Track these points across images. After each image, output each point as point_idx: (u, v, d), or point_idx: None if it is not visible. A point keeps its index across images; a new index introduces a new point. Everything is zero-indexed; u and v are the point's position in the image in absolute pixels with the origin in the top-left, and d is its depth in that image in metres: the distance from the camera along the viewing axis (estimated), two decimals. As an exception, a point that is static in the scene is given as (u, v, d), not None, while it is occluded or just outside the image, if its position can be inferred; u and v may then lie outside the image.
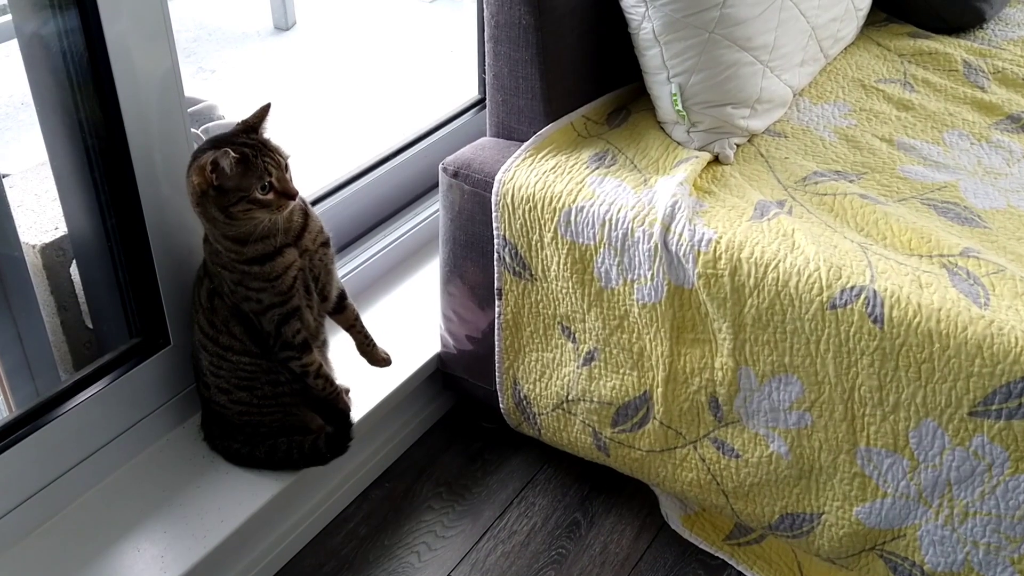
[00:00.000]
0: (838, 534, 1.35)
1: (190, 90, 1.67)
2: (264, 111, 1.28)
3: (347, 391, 1.52)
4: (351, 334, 1.47)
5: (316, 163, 2.34)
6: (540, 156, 1.47)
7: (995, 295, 1.20)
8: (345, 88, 2.93)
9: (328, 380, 1.40)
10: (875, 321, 1.22)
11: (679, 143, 1.50)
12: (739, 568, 1.48)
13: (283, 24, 3.25)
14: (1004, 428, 1.18)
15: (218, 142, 1.23)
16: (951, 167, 1.47)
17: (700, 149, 1.48)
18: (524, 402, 1.57)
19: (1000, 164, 1.48)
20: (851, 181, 1.43)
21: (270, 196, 1.23)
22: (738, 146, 1.51)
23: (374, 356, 1.49)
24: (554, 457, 1.65)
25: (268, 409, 1.40)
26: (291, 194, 1.25)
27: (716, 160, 1.48)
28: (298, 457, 1.42)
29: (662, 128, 1.53)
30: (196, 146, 1.28)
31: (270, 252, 1.29)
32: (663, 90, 1.48)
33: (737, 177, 1.44)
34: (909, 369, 1.22)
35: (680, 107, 1.46)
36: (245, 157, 1.21)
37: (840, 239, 1.30)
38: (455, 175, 1.51)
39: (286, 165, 1.27)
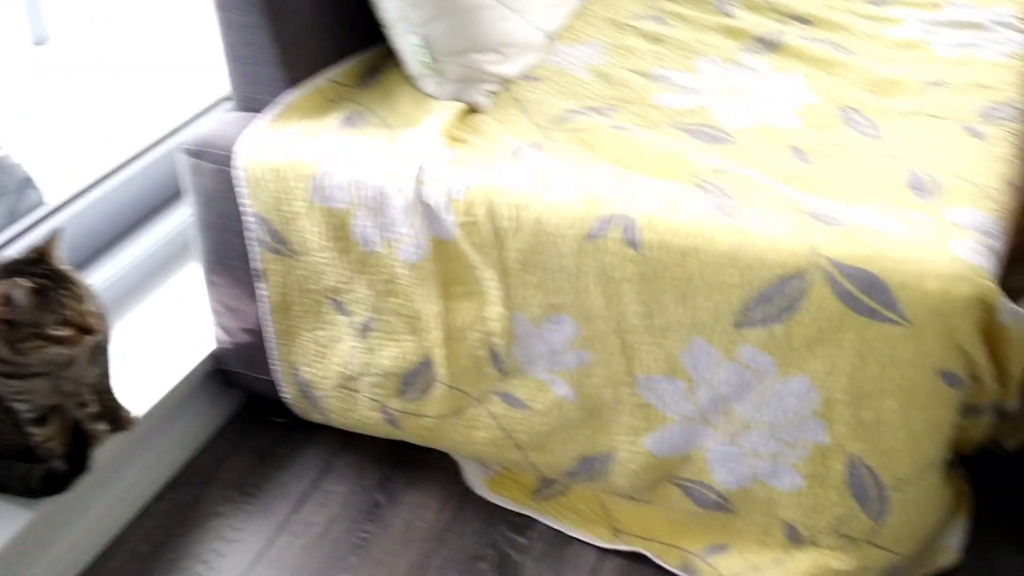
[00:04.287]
0: (632, 469, 1.33)
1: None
2: (55, 237, 1.16)
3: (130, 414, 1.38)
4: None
5: (69, 174, 2.18)
6: (285, 124, 1.38)
7: (743, 206, 1.20)
8: (99, 98, 2.77)
9: (50, 452, 1.28)
10: (633, 246, 1.20)
11: (431, 96, 1.44)
12: (547, 522, 1.44)
13: (37, 38, 3.07)
14: (766, 335, 1.18)
15: (7, 270, 1.12)
16: (702, 91, 1.48)
17: (453, 99, 1.43)
18: (306, 387, 1.48)
19: (748, 84, 1.49)
20: (606, 115, 1.41)
21: (66, 332, 1.13)
22: (494, 93, 1.46)
23: (117, 419, 1.37)
24: (351, 441, 1.56)
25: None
26: (89, 328, 1.15)
27: (473, 110, 1.44)
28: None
29: (413, 83, 1.47)
30: None
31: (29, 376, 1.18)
32: (405, 42, 1.42)
33: (492, 123, 1.40)
34: (671, 290, 1.20)
35: (425, 58, 1.41)
36: (43, 289, 1.11)
37: (595, 171, 1.28)
38: (197, 155, 1.41)
39: (85, 296, 1.16)
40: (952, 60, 1.50)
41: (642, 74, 1.52)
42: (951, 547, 1.34)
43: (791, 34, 1.58)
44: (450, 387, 1.38)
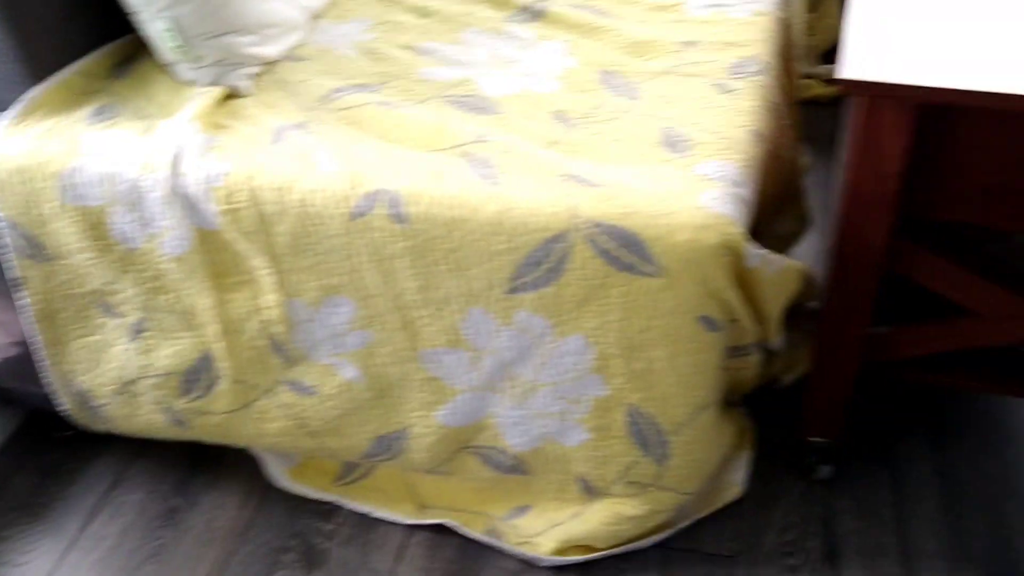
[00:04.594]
0: (428, 443, 1.34)
1: None
2: None
3: None
4: None
5: None
6: (29, 121, 1.30)
7: (505, 173, 1.22)
8: None
9: None
10: (399, 221, 1.19)
11: (189, 82, 1.39)
12: (352, 506, 1.43)
13: None
14: (538, 298, 1.20)
15: None
16: (468, 63, 1.48)
17: (212, 85, 1.38)
18: (84, 396, 1.41)
19: (514, 53, 1.51)
20: (373, 91, 1.40)
21: None
22: (256, 76, 1.42)
23: None
24: (145, 448, 1.50)
25: None
26: None
27: (235, 94, 1.39)
28: None
29: (169, 71, 1.41)
30: None
31: None
32: (154, 29, 1.36)
33: (254, 107, 1.36)
34: (443, 262, 1.20)
35: (176, 43, 1.35)
36: None
37: (359, 149, 1.26)
38: (-67, 161, 1.30)
39: None
40: (704, 20, 1.56)
41: (410, 49, 1.51)
42: (736, 482, 1.42)
43: (554, 2, 1.61)
44: (235, 381, 1.34)
